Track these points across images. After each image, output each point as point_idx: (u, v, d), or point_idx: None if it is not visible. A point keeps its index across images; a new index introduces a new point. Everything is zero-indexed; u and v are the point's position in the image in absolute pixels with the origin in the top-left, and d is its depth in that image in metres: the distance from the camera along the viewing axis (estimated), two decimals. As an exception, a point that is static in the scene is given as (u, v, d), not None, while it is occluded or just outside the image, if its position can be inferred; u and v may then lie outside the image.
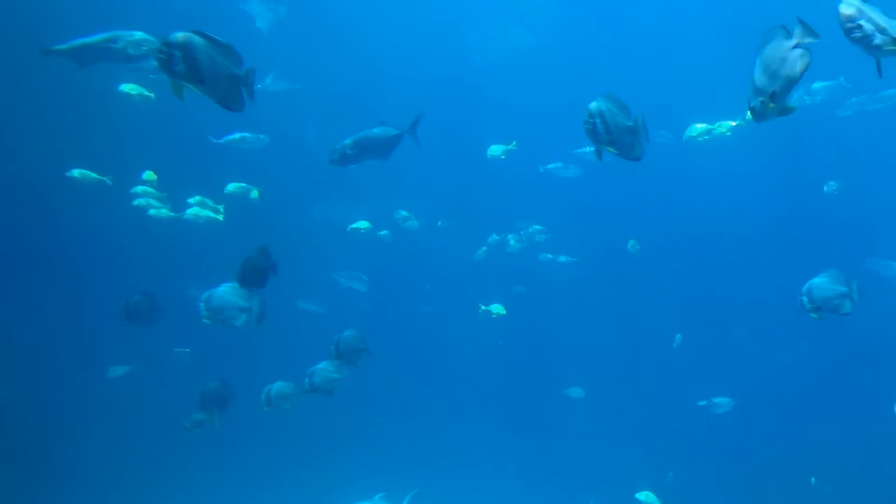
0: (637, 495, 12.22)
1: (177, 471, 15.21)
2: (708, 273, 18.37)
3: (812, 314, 6.97)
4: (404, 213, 15.67)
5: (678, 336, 16.72)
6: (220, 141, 12.47)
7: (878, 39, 4.75)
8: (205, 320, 8.18)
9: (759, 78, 4.82)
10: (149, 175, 12.02)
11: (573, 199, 17.59)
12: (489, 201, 17.46)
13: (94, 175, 12.05)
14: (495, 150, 12.23)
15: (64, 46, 9.76)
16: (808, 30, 4.82)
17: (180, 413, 12.30)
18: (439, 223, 17.26)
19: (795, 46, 4.80)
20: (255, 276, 8.24)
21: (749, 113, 4.94)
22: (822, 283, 6.98)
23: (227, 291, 8.19)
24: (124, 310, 12.29)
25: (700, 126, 11.68)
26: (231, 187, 12.35)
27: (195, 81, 5.31)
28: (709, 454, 17.01)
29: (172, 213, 12.68)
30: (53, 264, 16.44)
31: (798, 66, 4.78)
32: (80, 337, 15.98)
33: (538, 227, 16.31)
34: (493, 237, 16.52)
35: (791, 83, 4.82)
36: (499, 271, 17.24)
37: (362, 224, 14.56)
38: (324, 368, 9.70)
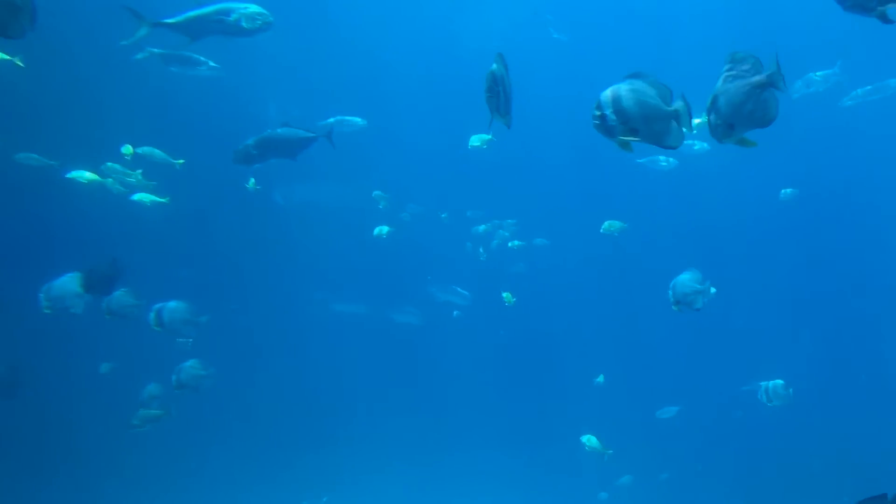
0: (581, 438, 12.52)
1: (166, 470, 15.11)
2: (708, 266, 18.18)
3: (674, 307, 7.41)
4: (379, 192, 15.48)
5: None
6: (319, 125, 12.23)
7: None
8: (45, 310, 8.36)
9: (636, 117, 4.78)
10: (126, 149, 11.40)
11: (572, 194, 17.48)
12: (462, 189, 17.18)
13: None
14: (475, 139, 11.97)
15: (174, 20, 9.43)
16: (689, 121, 4.85)
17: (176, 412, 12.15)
18: (443, 215, 17.05)
19: (675, 115, 4.79)
20: (101, 284, 8.54)
21: (598, 121, 4.86)
22: (683, 280, 7.41)
23: (67, 282, 8.43)
24: None
25: None
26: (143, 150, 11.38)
27: None
28: (710, 447, 16.97)
29: (122, 189, 11.92)
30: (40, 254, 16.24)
31: (671, 140, 4.82)
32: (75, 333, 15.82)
33: (511, 220, 16.18)
34: (482, 227, 16.35)
35: (655, 139, 4.83)
36: (489, 262, 17.06)
37: (383, 229, 14.63)
38: (190, 366, 9.67)
